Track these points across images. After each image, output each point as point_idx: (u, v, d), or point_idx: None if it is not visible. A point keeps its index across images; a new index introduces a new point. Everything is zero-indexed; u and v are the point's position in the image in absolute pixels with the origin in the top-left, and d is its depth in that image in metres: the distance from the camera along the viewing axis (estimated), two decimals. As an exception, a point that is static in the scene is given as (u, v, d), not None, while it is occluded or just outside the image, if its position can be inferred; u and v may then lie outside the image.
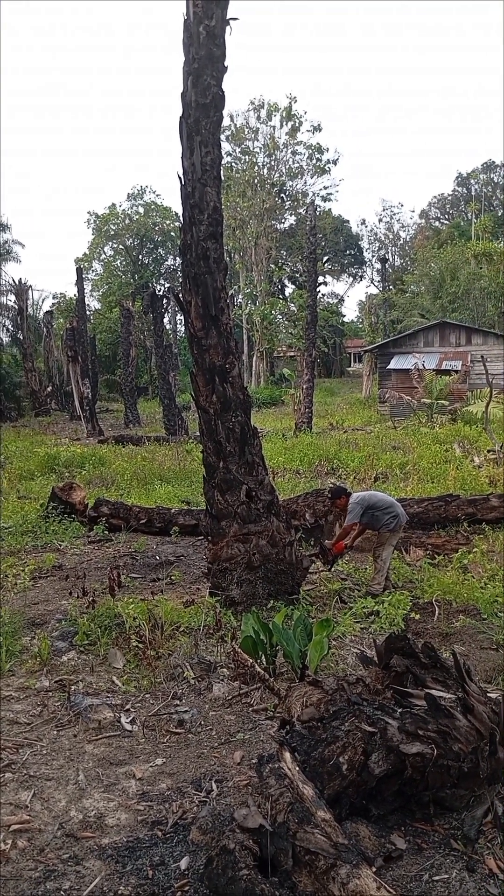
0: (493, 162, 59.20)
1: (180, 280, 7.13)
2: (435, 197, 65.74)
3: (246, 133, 46.86)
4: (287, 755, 3.14)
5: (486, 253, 39.88)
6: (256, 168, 47.51)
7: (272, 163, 48.49)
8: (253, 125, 46.92)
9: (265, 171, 48.19)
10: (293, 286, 57.01)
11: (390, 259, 62.15)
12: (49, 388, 38.07)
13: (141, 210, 54.30)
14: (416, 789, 3.33)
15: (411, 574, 7.49)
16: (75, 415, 31.67)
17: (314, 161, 48.93)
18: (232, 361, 6.48)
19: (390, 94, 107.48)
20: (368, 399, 36.63)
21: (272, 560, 6.40)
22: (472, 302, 40.57)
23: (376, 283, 60.60)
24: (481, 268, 40.57)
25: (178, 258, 46.50)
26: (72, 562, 8.39)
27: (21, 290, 37.38)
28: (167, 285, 52.75)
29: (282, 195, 50.59)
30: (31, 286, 40.15)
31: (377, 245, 63.67)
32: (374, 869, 2.74)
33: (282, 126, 46.89)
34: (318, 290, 33.64)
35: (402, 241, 63.57)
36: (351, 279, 64.58)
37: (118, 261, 55.79)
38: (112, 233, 53.87)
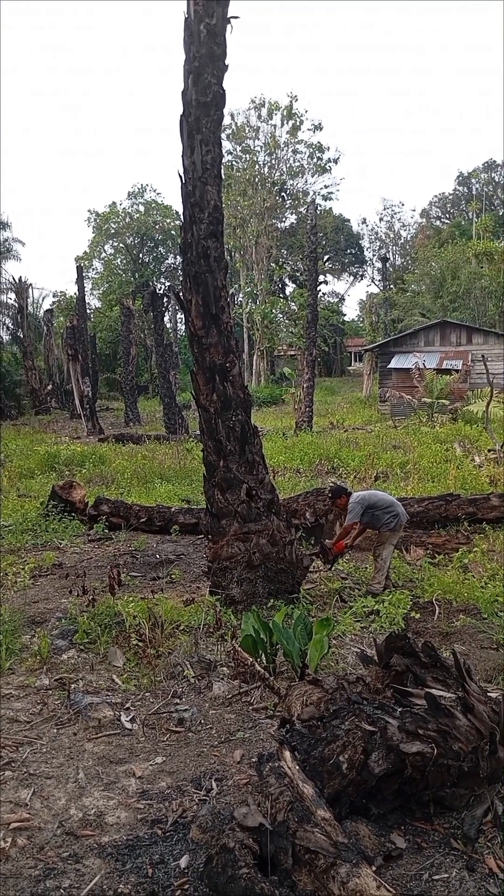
0: (494, 161, 59.20)
1: (181, 278, 7.12)
2: (436, 196, 65.71)
3: (246, 132, 46.81)
4: (287, 754, 3.14)
5: (486, 252, 39.86)
6: (257, 167, 47.47)
7: (273, 161, 48.46)
8: (254, 124, 46.91)
9: (266, 169, 48.14)
10: (294, 285, 56.99)
11: (391, 258, 62.12)
12: (49, 387, 38.06)
13: (141, 208, 54.28)
14: (416, 788, 3.33)
15: (412, 573, 7.49)
16: (75, 413, 31.63)
17: (315, 160, 48.93)
18: (232, 360, 6.47)
19: (391, 94, 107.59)
20: (369, 398, 36.62)
21: (272, 559, 6.40)
22: (472, 301, 40.52)
23: (377, 283, 60.66)
24: (482, 267, 40.52)
25: (178, 257, 46.43)
26: (72, 560, 8.39)
27: (21, 288, 37.38)
28: (168, 284, 52.71)
29: (282, 194, 50.53)
30: (31, 284, 40.21)
31: (378, 244, 63.64)
32: (373, 868, 2.74)
33: (282, 125, 46.87)
34: (318, 289, 33.66)
35: (402, 241, 63.51)
36: (351, 278, 64.58)
37: (118, 259, 55.75)
38: (112, 231, 53.84)
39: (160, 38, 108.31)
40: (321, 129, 47.86)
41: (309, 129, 47.48)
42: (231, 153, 46.74)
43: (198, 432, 12.39)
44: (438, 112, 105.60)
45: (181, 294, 6.48)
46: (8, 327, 40.32)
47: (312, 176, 50.15)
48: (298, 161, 49.15)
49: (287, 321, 48.43)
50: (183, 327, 22.69)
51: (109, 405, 39.24)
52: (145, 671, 5.07)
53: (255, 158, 47.45)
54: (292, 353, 45.73)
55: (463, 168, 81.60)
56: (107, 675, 5.05)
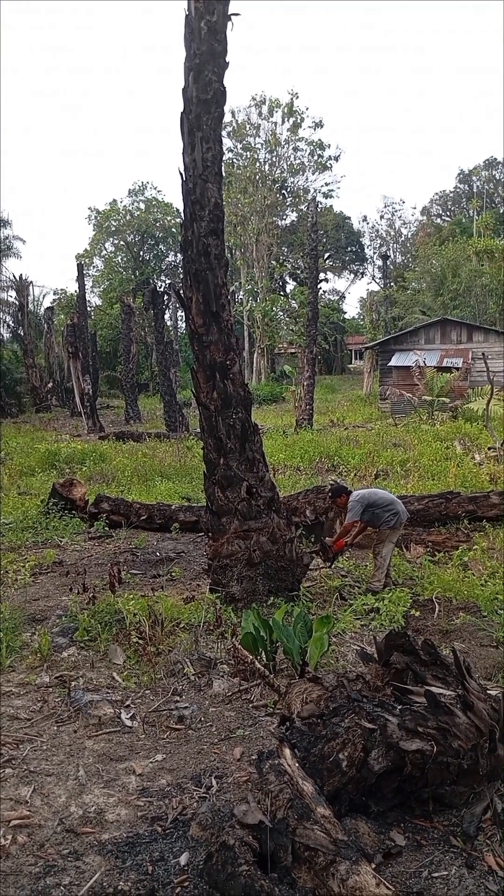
0: (495, 159, 59.12)
1: (181, 276, 7.12)
2: (436, 194, 65.70)
3: (247, 129, 46.78)
4: (287, 751, 3.14)
5: (487, 250, 39.82)
6: (258, 164, 47.41)
7: (273, 159, 48.43)
8: (254, 121, 46.89)
9: (266, 167, 48.09)
10: (294, 283, 56.92)
11: (391, 256, 62.06)
12: (50, 385, 38.05)
13: (142, 206, 54.21)
14: (416, 786, 3.33)
15: (411, 571, 7.50)
16: (76, 411, 31.61)
17: (315, 157, 48.90)
18: (233, 358, 6.47)
19: (392, 92, 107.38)
20: (369, 396, 36.58)
21: (272, 557, 6.40)
22: (473, 299, 40.47)
23: (377, 280, 60.58)
24: (483, 265, 40.47)
25: (179, 254, 46.42)
26: (72, 558, 8.40)
27: (22, 286, 37.32)
28: (168, 281, 52.64)
29: (283, 192, 50.48)
30: (31, 282, 40.18)
31: (378, 242, 63.61)
32: (373, 865, 2.75)
33: (283, 122, 46.86)
34: (319, 286, 33.62)
35: (403, 238, 63.48)
36: (352, 276, 64.50)
37: (119, 257, 55.72)
38: (113, 229, 53.79)
39: (160, 38, 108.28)
40: (322, 126, 47.98)
41: (310, 127, 47.56)
42: (232, 150, 46.75)
43: (198, 430, 12.38)
44: (438, 112, 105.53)
45: (182, 292, 6.47)
46: (8, 325, 40.32)
47: (313, 173, 50.18)
48: (299, 158, 49.19)
49: (287, 319, 48.39)
50: (183, 325, 22.67)
51: (110, 403, 39.23)
52: (145, 669, 5.07)
53: (256, 156, 47.43)
54: (293, 350, 45.71)
55: (464, 166, 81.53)
56: (107, 673, 5.06)
